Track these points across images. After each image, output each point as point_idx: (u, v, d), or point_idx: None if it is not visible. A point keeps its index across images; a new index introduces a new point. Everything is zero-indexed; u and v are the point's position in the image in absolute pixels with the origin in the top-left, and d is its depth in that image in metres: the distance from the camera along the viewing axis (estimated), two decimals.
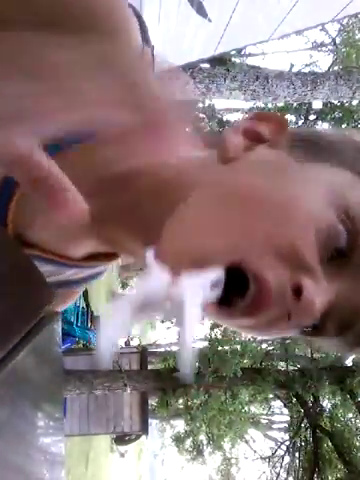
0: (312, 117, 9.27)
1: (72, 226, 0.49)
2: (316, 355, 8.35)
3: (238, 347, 7.91)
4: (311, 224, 0.40)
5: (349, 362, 8.42)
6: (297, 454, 9.02)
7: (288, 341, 8.07)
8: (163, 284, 0.37)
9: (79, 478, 10.82)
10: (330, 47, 10.87)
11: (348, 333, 0.44)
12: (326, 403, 8.69)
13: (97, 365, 0.34)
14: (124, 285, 23.34)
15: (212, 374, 6.89)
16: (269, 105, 7.94)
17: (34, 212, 0.49)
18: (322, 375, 7.53)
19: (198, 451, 12.82)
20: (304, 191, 0.42)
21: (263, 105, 7.92)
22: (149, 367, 8.34)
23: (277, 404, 10.43)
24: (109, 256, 0.57)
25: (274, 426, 13.28)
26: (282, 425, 12.14)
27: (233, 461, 14.26)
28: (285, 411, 10.19)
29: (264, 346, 9.00)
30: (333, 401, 8.50)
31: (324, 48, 11.21)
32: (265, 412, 11.47)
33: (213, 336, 7.97)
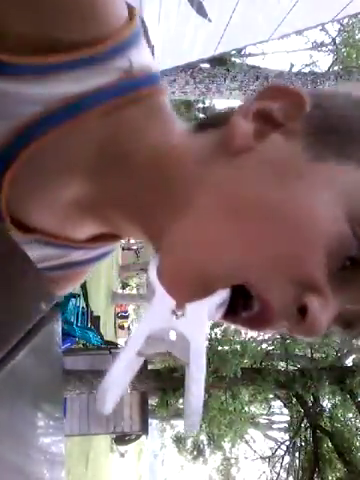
0: None
1: (72, 208, 0.47)
2: (316, 355, 8.36)
3: (238, 347, 7.92)
4: (322, 240, 0.37)
5: (349, 362, 8.42)
6: (297, 454, 9.02)
7: (288, 341, 8.08)
8: (167, 316, 0.36)
9: (79, 478, 10.82)
10: (330, 47, 10.87)
11: (355, 329, 0.43)
12: (326, 403, 8.69)
13: (98, 409, 0.35)
14: (124, 285, 23.34)
15: (212, 374, 6.89)
16: None
17: (29, 194, 0.46)
18: (322, 375, 7.54)
19: (198, 451, 12.82)
20: (316, 202, 0.38)
21: None
22: (149, 367, 8.34)
23: (277, 404, 10.44)
24: (115, 236, 0.54)
25: (274, 426, 13.28)
26: (282, 425, 12.15)
27: (233, 461, 14.26)
28: (285, 411, 10.20)
29: (264, 346, 9.01)
30: (333, 401, 8.50)
31: (324, 48, 11.22)
32: (265, 412, 11.47)
33: (213, 336, 7.97)
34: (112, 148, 0.44)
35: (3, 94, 0.40)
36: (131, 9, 0.44)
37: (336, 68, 9.34)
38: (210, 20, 3.55)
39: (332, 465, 8.16)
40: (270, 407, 10.96)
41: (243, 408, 8.93)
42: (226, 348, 7.72)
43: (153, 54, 0.51)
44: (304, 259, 0.38)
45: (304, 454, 8.85)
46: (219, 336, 8.05)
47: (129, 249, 23.57)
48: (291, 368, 8.23)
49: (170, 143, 0.45)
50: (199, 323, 0.37)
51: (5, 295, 0.32)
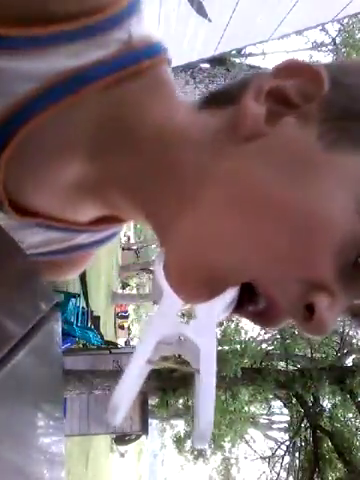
0: None
1: (73, 190, 0.45)
2: (316, 355, 8.35)
3: (238, 347, 7.91)
4: (335, 239, 0.35)
5: (349, 362, 8.42)
6: (297, 454, 9.02)
7: (288, 341, 8.07)
8: (175, 320, 0.35)
9: (79, 478, 10.82)
10: (330, 47, 10.87)
11: None
12: (326, 403, 8.69)
13: (109, 421, 0.32)
14: (124, 285, 23.33)
15: None
16: None
17: (28, 175, 0.44)
18: (322, 375, 7.53)
19: (198, 451, 12.81)
20: (330, 199, 0.36)
21: None
22: None
23: (277, 404, 10.43)
24: (120, 218, 0.51)
25: (274, 426, 13.28)
26: (282, 425, 12.14)
27: (233, 461, 14.26)
28: (285, 411, 10.19)
29: (264, 346, 9.00)
30: (333, 401, 8.49)
31: (324, 48, 11.21)
32: (265, 412, 11.46)
33: None
34: (113, 125, 0.42)
35: None
36: None
37: None
38: (210, 20, 3.55)
39: (332, 465, 8.16)
40: (270, 407, 10.95)
41: (243, 408, 8.92)
42: (226, 348, 7.72)
43: None
44: (314, 258, 0.36)
45: (304, 454, 8.85)
46: (219, 336, 8.05)
47: (129, 249, 23.58)
48: (291, 368, 8.22)
49: (174, 120, 0.42)
50: (209, 327, 0.35)
51: (5, 295, 0.32)
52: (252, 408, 10.23)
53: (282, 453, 9.69)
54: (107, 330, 13.72)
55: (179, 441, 12.89)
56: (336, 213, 0.36)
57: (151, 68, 0.42)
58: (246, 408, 9.15)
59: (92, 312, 7.23)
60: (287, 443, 9.69)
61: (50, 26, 0.37)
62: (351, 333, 8.36)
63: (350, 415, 8.54)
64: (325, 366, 7.77)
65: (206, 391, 0.32)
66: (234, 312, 0.39)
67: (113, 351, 7.51)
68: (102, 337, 7.24)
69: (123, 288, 23.13)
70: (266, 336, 9.06)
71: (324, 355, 8.27)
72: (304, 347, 8.48)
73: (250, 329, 8.85)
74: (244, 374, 7.31)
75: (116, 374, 6.56)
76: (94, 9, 0.38)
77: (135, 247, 23.70)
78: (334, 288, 0.36)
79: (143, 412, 7.66)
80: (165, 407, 8.49)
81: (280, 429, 12.39)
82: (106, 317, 14.57)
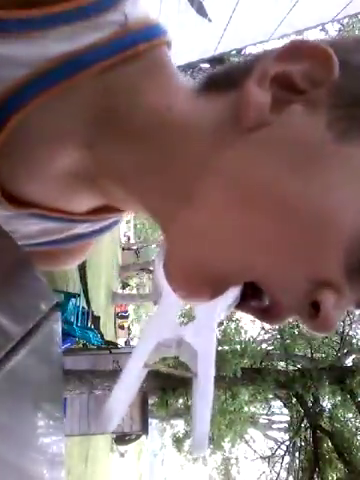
0: None
1: (67, 179, 0.43)
2: (316, 355, 8.35)
3: (238, 347, 7.91)
4: (344, 237, 0.34)
5: (349, 362, 8.42)
6: (297, 454, 9.02)
7: (288, 341, 8.07)
8: (174, 322, 0.34)
9: (79, 478, 10.82)
10: None
11: None
12: (326, 403, 8.69)
13: (103, 426, 0.31)
14: (124, 285, 23.33)
15: None
16: None
17: (21, 164, 0.42)
18: (322, 375, 7.53)
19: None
20: (340, 194, 0.34)
21: None
22: None
23: (277, 404, 10.43)
24: (119, 208, 0.50)
25: (274, 426, 13.27)
26: (282, 425, 12.14)
27: (233, 461, 14.26)
28: (285, 411, 10.19)
29: (264, 346, 9.00)
30: (333, 401, 8.49)
31: None
32: (265, 412, 11.46)
33: None
34: (108, 112, 0.39)
35: None
36: None
37: None
38: (210, 20, 3.55)
39: (332, 465, 8.15)
40: (270, 407, 10.95)
41: (243, 408, 8.92)
42: (226, 348, 7.72)
43: None
44: (322, 256, 0.34)
45: (304, 454, 8.85)
46: (219, 336, 8.05)
47: (129, 249, 23.58)
48: (291, 368, 8.22)
49: (172, 107, 0.40)
50: (208, 331, 0.34)
51: (5, 295, 0.32)
52: (252, 408, 10.22)
53: (282, 453, 9.70)
54: (107, 330, 13.72)
55: (178, 441, 12.89)
56: (346, 208, 0.34)
57: (149, 51, 0.39)
58: (246, 408, 9.14)
59: (92, 312, 7.23)
60: (287, 443, 9.69)
61: (39, 8, 0.35)
62: (351, 333, 8.37)
63: (350, 415, 8.54)
64: (325, 366, 7.77)
65: (203, 397, 0.31)
66: (237, 308, 0.38)
67: (113, 351, 7.51)
68: (102, 337, 7.24)
69: (123, 288, 23.12)
70: (266, 336, 9.07)
71: (324, 355, 8.28)
72: (304, 347, 8.48)
73: (250, 329, 8.86)
74: (244, 374, 7.31)
75: (116, 374, 6.54)
76: None
77: (135, 247, 23.69)
78: (340, 285, 0.35)
79: (143, 412, 7.66)
80: (164, 407, 8.49)
81: (280, 429, 12.38)
82: (106, 317, 14.57)
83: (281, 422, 12.40)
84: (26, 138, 0.40)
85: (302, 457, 8.88)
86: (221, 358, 7.01)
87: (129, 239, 26.85)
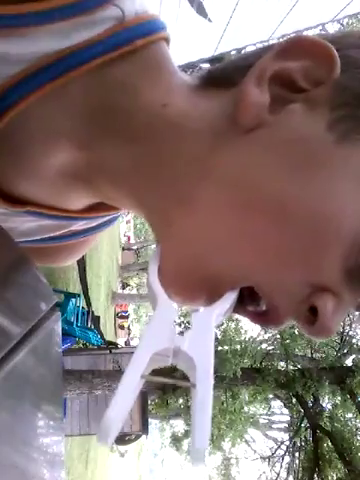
0: None
1: (62, 178, 0.42)
2: (316, 355, 8.36)
3: (238, 347, 7.91)
4: (343, 242, 0.33)
5: (349, 362, 8.42)
6: (297, 454, 9.02)
7: (288, 341, 8.07)
8: (171, 332, 0.32)
9: (79, 478, 10.81)
10: None
11: None
12: (326, 403, 8.69)
13: (102, 440, 0.29)
14: (124, 285, 23.33)
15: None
16: None
17: (14, 164, 0.41)
18: (322, 375, 7.53)
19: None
20: (340, 198, 0.33)
21: None
22: None
23: (277, 404, 10.43)
24: (115, 206, 0.49)
25: (274, 426, 13.28)
26: (282, 425, 12.14)
27: (233, 461, 14.26)
28: (285, 411, 10.19)
29: (264, 346, 9.00)
30: (333, 401, 8.50)
31: None
32: (265, 412, 11.46)
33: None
34: (102, 110, 0.38)
35: None
36: None
37: None
38: (210, 20, 3.55)
39: (332, 465, 8.16)
40: (270, 407, 10.95)
41: (243, 408, 8.92)
42: (226, 348, 7.72)
43: None
44: (321, 261, 0.34)
45: (304, 454, 8.85)
46: (219, 336, 8.05)
47: (129, 249, 23.58)
48: (291, 368, 8.22)
49: (169, 105, 0.38)
50: (205, 340, 0.33)
51: (5, 295, 0.32)
52: (252, 408, 10.22)
53: (282, 453, 9.70)
54: (107, 330, 13.72)
55: (177, 440, 12.88)
56: (345, 212, 0.33)
57: (146, 47, 0.38)
58: (246, 408, 9.14)
59: (92, 312, 7.22)
60: (287, 443, 9.69)
61: (30, 4, 0.33)
62: (351, 333, 8.37)
63: (350, 415, 8.54)
64: (325, 366, 7.77)
65: (202, 408, 0.29)
66: (234, 311, 0.38)
67: (113, 351, 7.50)
68: (102, 337, 7.23)
69: (123, 288, 23.13)
70: (266, 336, 9.06)
71: (324, 355, 8.28)
72: (304, 347, 8.48)
73: (250, 329, 8.86)
74: (244, 374, 7.31)
75: (116, 374, 6.56)
76: None
77: (135, 247, 23.71)
78: (339, 290, 0.34)
79: (143, 412, 7.65)
80: (165, 406, 8.48)
81: (280, 429, 12.38)
82: (106, 317, 14.57)
83: (281, 422, 12.40)
84: (20, 136, 0.39)
85: (302, 457, 8.88)
86: (221, 358, 7.01)
87: (129, 239, 26.84)
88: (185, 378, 0.32)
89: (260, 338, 9.11)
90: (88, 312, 7.10)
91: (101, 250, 13.54)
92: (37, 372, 0.36)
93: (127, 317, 21.52)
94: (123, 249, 23.67)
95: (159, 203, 0.39)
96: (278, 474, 9.56)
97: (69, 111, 0.38)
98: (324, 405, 8.64)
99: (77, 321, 6.74)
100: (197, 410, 0.29)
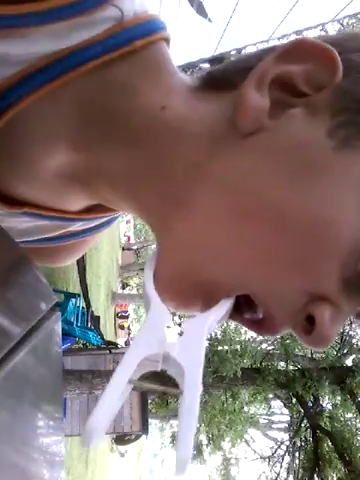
0: None
1: (59, 180, 0.42)
2: (316, 355, 8.35)
3: (238, 347, 7.91)
4: (342, 250, 0.33)
5: (349, 362, 8.42)
6: (297, 454, 9.02)
7: (288, 341, 8.08)
8: (161, 338, 0.32)
9: (79, 478, 10.81)
10: None
11: None
12: (326, 403, 8.69)
13: (85, 443, 0.28)
14: (124, 285, 23.33)
15: (212, 374, 6.89)
16: None
17: (12, 165, 0.40)
18: (322, 375, 7.54)
19: (198, 451, 12.81)
20: (340, 207, 0.33)
21: None
22: None
23: (277, 404, 10.43)
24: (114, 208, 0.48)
25: (274, 426, 13.28)
26: (282, 425, 12.14)
27: (233, 461, 14.25)
28: (285, 411, 10.19)
29: (264, 346, 9.00)
30: (333, 401, 8.50)
31: None
32: (265, 412, 11.46)
33: (213, 336, 7.97)
34: (100, 112, 0.38)
35: None
36: None
37: None
38: (210, 20, 3.55)
39: (332, 465, 8.16)
40: (270, 407, 10.95)
41: (243, 408, 8.93)
42: (226, 348, 7.72)
43: None
44: (319, 269, 0.33)
45: (304, 454, 8.85)
46: (219, 336, 8.05)
47: (129, 249, 23.59)
48: (291, 368, 8.22)
49: (168, 108, 0.38)
50: (196, 347, 0.32)
51: (5, 295, 0.32)
52: (252, 408, 10.22)
53: (282, 453, 9.71)
54: (107, 330, 13.72)
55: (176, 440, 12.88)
56: (345, 220, 0.32)
57: (146, 48, 0.37)
58: (246, 408, 9.15)
59: (92, 312, 7.22)
60: (287, 443, 9.69)
61: (27, 4, 0.33)
62: (351, 333, 8.37)
63: (350, 415, 8.55)
64: (325, 366, 7.77)
65: (187, 417, 0.29)
66: (230, 318, 0.37)
67: (113, 351, 7.50)
68: (102, 337, 7.23)
69: (123, 288, 23.13)
70: (266, 336, 9.05)
71: (324, 355, 8.27)
72: (304, 347, 8.47)
73: None
74: (244, 374, 7.31)
75: None
76: None
77: (135, 247, 23.71)
78: (337, 299, 0.34)
79: (143, 412, 7.65)
80: (165, 406, 8.49)
81: (280, 429, 12.38)
82: (106, 317, 14.57)
83: (281, 422, 12.40)
84: (18, 137, 0.39)
85: (302, 457, 8.88)
86: (221, 358, 7.02)
87: (129, 239, 26.85)
88: (175, 385, 0.32)
89: (260, 338, 9.11)
90: (88, 312, 7.10)
91: (101, 250, 13.54)
92: (37, 372, 0.36)
93: (127, 317, 21.52)
94: (123, 249, 23.68)
95: (157, 206, 0.38)
96: (278, 474, 9.56)
97: (68, 112, 0.38)
98: (324, 405, 8.65)
99: (77, 321, 6.74)
100: (183, 420, 0.29)
